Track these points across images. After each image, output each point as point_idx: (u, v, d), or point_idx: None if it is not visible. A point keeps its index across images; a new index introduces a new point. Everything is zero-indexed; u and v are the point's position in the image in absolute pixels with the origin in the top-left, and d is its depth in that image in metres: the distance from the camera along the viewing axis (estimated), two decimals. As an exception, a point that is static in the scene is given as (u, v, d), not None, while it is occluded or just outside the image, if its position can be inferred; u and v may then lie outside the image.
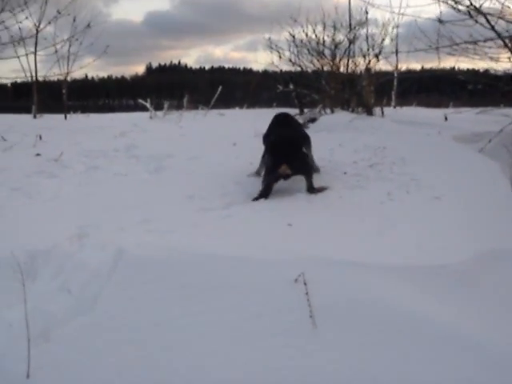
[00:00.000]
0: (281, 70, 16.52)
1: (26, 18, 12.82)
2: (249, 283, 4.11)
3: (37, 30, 14.92)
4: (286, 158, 6.82)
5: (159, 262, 4.46)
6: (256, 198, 6.71)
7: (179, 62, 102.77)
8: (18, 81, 16.25)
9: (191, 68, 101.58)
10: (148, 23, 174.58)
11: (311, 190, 6.84)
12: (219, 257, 4.51)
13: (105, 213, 6.03)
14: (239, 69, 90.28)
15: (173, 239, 5.12)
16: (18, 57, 14.49)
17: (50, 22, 14.53)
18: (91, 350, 3.58)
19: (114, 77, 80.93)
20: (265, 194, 6.77)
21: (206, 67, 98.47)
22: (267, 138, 7.82)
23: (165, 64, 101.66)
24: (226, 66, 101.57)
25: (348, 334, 3.56)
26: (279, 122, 8.02)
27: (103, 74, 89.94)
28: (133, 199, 6.62)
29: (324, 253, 4.61)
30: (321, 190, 6.87)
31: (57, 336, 3.72)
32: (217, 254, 4.58)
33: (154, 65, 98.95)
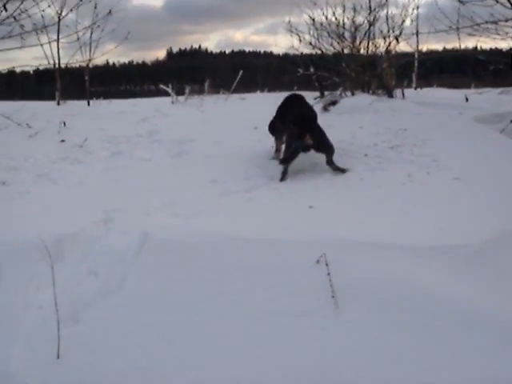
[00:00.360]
0: (301, 54, 16.49)
1: (49, 6, 12.84)
2: (272, 264, 4.19)
3: (59, 17, 15.01)
4: (309, 130, 7.15)
5: (183, 245, 4.55)
6: (283, 161, 7.10)
7: (200, 47, 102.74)
8: (41, 68, 16.29)
9: (212, 52, 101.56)
10: (168, 8, 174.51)
11: (331, 163, 7.06)
12: (242, 239, 4.60)
13: (129, 197, 6.12)
14: (260, 52, 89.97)
15: (197, 223, 5.21)
16: (42, 44, 14.53)
17: (71, 10, 14.56)
18: (118, 331, 3.69)
19: (134, 62, 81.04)
20: (292, 156, 7.08)
21: (227, 51, 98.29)
22: (282, 117, 7.97)
23: (185, 49, 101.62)
24: (247, 50, 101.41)
25: (369, 314, 3.64)
26: (293, 101, 8.21)
27: (124, 60, 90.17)
28: (157, 184, 6.70)
29: (345, 234, 4.67)
30: (342, 169, 6.99)
31: (85, 318, 3.84)
32: (240, 236, 4.67)
33: (175, 49, 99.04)
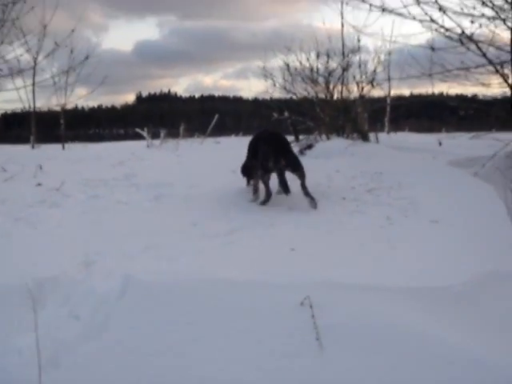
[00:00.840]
0: (271, 98, 16.68)
1: (27, 51, 12.98)
2: (256, 307, 4.19)
3: (35, 62, 15.11)
4: (283, 151, 7.82)
5: (166, 288, 4.53)
6: (264, 202, 7.69)
7: (169, 91, 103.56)
8: (10, 111, 16.35)
9: (181, 96, 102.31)
10: (137, 52, 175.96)
11: (305, 187, 7.50)
12: (225, 282, 4.59)
13: (109, 240, 6.10)
14: (229, 97, 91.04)
15: (178, 265, 5.19)
16: (18, 89, 14.62)
17: (48, 55, 14.71)
18: (100, 375, 3.66)
19: (104, 106, 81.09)
20: (269, 193, 7.70)
21: (196, 95, 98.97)
22: (254, 151, 8.26)
23: (155, 93, 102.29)
24: (216, 94, 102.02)
25: (354, 356, 3.65)
26: (264, 133, 8.69)
27: (93, 104, 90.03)
28: (136, 227, 6.69)
29: (328, 276, 4.69)
30: (312, 198, 7.39)
31: (66, 362, 3.79)
32: (222, 279, 4.65)
33: (144, 94, 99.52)
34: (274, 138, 8.20)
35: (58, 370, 3.72)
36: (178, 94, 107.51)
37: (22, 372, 3.68)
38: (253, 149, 8.40)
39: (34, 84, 15.75)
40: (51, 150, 14.72)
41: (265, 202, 7.69)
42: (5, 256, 5.69)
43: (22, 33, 12.29)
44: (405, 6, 10.01)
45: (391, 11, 10.30)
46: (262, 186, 7.85)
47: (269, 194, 7.72)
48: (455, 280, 4.74)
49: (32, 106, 16.41)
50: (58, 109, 16.91)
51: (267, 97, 16.96)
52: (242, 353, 3.72)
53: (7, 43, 10.65)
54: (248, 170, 8.50)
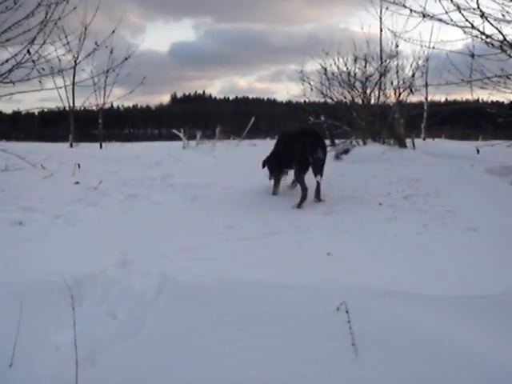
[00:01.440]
0: (306, 101, 16.66)
1: (68, 51, 13.16)
2: (291, 310, 4.18)
3: (75, 62, 15.31)
4: (318, 143, 8.25)
5: (202, 289, 4.55)
6: (302, 200, 7.90)
7: (204, 92, 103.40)
8: (47, 110, 16.59)
9: (216, 98, 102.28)
10: (173, 54, 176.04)
11: (319, 186, 8.05)
12: (261, 284, 4.59)
13: (146, 240, 6.17)
14: (263, 99, 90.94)
15: (215, 267, 5.19)
16: (58, 88, 14.80)
17: (88, 55, 14.90)
18: (135, 374, 3.68)
19: (139, 106, 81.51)
20: (306, 191, 7.99)
21: (231, 97, 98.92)
22: (286, 146, 8.63)
23: (189, 94, 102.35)
24: (250, 97, 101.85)
25: (389, 363, 3.62)
26: (302, 130, 9.05)
27: (128, 104, 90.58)
28: (173, 227, 6.75)
29: (364, 282, 4.66)
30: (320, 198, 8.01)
31: (103, 360, 3.82)
32: (258, 281, 4.65)
33: (179, 95, 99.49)
34: (313, 132, 8.60)
35: (94, 367, 3.75)
36: (213, 96, 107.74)
37: (60, 368, 3.72)
38: (286, 144, 8.65)
39: (73, 83, 15.95)
40: (89, 148, 14.87)
41: (303, 201, 7.90)
42: (44, 253, 5.77)
43: (63, 33, 12.46)
44: (446, 12, 9.92)
45: (432, 17, 10.22)
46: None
47: (305, 189, 8.01)
48: (492, 289, 4.68)
49: (71, 104, 16.62)
50: (95, 108, 17.09)
51: (302, 100, 16.94)
52: (277, 357, 3.72)
53: (49, 43, 10.76)
54: (272, 164, 8.76)
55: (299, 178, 8.14)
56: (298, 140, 8.27)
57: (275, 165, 8.78)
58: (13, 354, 3.72)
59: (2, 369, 3.68)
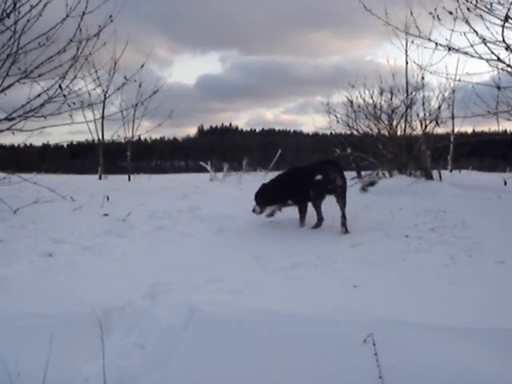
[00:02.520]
0: (332, 133, 16.74)
1: (98, 85, 13.40)
2: (318, 342, 4.18)
3: (105, 95, 15.60)
4: (338, 172, 8.49)
5: (229, 321, 4.56)
6: (318, 225, 8.45)
7: (230, 124, 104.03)
8: (75, 142, 16.94)
9: (242, 130, 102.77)
10: (200, 86, 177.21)
11: (344, 217, 8.20)
12: (288, 316, 4.59)
13: (174, 272, 6.21)
14: (289, 131, 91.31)
15: (242, 299, 5.23)
16: (88, 122, 15.08)
17: (118, 89, 15.16)
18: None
19: (166, 138, 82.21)
20: (322, 218, 8.52)
21: (257, 129, 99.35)
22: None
23: (216, 126, 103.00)
24: (277, 129, 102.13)
25: (417, 398, 3.60)
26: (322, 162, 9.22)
27: (155, 136, 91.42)
28: (200, 259, 6.81)
29: (391, 314, 4.66)
30: (346, 229, 8.11)
31: (131, 391, 3.85)
32: (285, 313, 4.66)
33: (206, 127, 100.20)
34: (332, 162, 8.93)
35: (122, 398, 3.76)
36: (239, 128, 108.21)
37: (88, 399, 3.76)
38: (299, 175, 8.87)
39: (103, 117, 16.24)
40: (117, 180, 15.07)
41: (317, 226, 8.41)
42: (73, 284, 5.86)
43: (93, 68, 12.70)
44: (471, 45, 9.97)
45: (457, 50, 10.27)
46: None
47: (321, 219, 8.46)
48: (521, 322, 4.65)
49: (100, 137, 16.90)
50: (123, 141, 17.35)
51: (328, 132, 17.01)
52: (305, 389, 3.72)
53: (80, 78, 10.99)
54: (270, 196, 8.84)
55: (316, 205, 8.53)
56: (319, 169, 8.54)
57: (276, 196, 8.87)
58: (43, 384, 3.77)
59: (33, 399, 3.72)
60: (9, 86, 10.34)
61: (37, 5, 9.90)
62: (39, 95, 10.38)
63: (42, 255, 6.96)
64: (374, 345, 3.99)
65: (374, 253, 6.89)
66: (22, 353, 4.07)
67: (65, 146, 37.46)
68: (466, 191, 11.25)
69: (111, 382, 3.78)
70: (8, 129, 10.48)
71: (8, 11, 9.85)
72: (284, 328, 4.41)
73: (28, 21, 9.96)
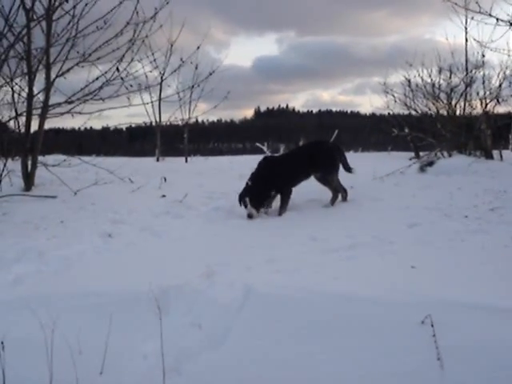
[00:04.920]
0: (390, 114, 16.56)
1: (155, 68, 13.50)
2: (375, 324, 4.15)
3: (161, 78, 15.71)
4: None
5: (286, 301, 4.57)
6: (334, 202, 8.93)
7: (287, 106, 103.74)
8: (133, 125, 17.09)
9: (299, 111, 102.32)
10: (256, 68, 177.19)
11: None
12: (345, 297, 4.56)
13: (231, 252, 6.27)
14: (346, 112, 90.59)
15: (299, 279, 5.21)
16: (145, 104, 15.23)
17: (174, 71, 15.26)
18: (221, 384, 3.73)
19: (223, 121, 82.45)
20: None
21: (314, 111, 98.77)
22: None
23: (273, 108, 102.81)
24: (334, 110, 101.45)
25: (476, 379, 3.54)
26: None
27: (213, 118, 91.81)
28: (257, 240, 6.84)
29: (450, 295, 4.58)
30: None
31: (188, 370, 3.89)
32: (342, 294, 4.63)
33: (263, 108, 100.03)
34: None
35: (180, 376, 3.82)
36: (296, 109, 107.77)
37: (147, 376, 3.82)
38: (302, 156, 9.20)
39: (160, 99, 16.38)
40: (175, 162, 15.20)
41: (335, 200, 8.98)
42: (131, 264, 5.96)
43: (150, 50, 12.79)
44: (534, 20, 9.69)
45: (519, 25, 10.00)
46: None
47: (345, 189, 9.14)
48: None
49: (157, 120, 17.06)
50: (180, 123, 17.48)
51: (386, 112, 16.85)
52: (363, 370, 3.70)
53: (137, 60, 11.10)
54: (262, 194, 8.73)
55: (336, 179, 9.05)
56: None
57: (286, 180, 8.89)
58: (103, 362, 3.84)
59: (93, 376, 3.79)
60: (68, 70, 10.53)
61: (95, -12, 10.03)
62: (97, 78, 10.57)
63: (102, 236, 7.10)
64: (432, 326, 3.95)
65: (432, 233, 6.77)
66: (83, 331, 4.15)
67: (124, 128, 37.94)
68: (527, 170, 10.98)
69: (169, 361, 3.83)
70: (68, 112, 10.68)
71: (67, -5, 10.00)
72: (341, 309, 4.39)
73: (86, 4, 10.14)
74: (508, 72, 14.10)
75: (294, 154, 9.52)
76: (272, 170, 8.79)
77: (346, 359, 3.82)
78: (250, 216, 8.33)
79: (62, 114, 10.77)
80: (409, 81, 15.41)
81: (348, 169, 9.25)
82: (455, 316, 4.19)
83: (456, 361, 3.67)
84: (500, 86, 14.13)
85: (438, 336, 3.85)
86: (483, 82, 14.18)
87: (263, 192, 8.61)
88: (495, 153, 13.18)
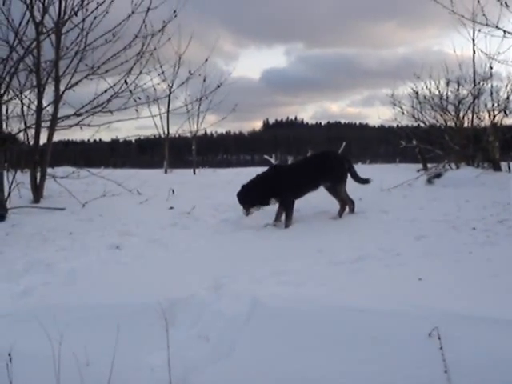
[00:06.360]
0: (398, 126, 16.59)
1: (163, 80, 13.59)
2: (383, 336, 4.15)
3: (170, 90, 15.79)
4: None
5: (293, 313, 4.57)
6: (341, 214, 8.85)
7: (296, 118, 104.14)
8: (142, 137, 17.19)
9: (307, 123, 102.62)
10: (265, 80, 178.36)
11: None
12: (352, 309, 4.57)
13: (238, 264, 6.26)
14: (355, 124, 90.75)
15: (305, 291, 5.20)
16: (153, 116, 15.29)
17: (183, 83, 15.34)
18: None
19: (232, 132, 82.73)
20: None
21: (323, 122, 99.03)
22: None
23: (281, 119, 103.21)
24: (342, 121, 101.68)
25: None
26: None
27: (221, 130, 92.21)
28: (264, 251, 6.85)
29: (457, 307, 4.57)
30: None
31: (195, 381, 3.90)
32: (349, 306, 4.63)
33: (271, 120, 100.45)
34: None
35: (187, 389, 3.80)
36: (305, 121, 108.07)
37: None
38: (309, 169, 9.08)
39: (168, 111, 16.46)
40: (183, 174, 15.23)
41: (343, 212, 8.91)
42: (139, 276, 5.99)
43: (158, 63, 12.86)
44: (541, 32, 9.70)
45: (527, 37, 10.00)
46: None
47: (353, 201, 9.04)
48: None
49: (166, 132, 17.12)
50: (189, 135, 17.54)
51: (394, 124, 16.87)
52: (370, 382, 3.70)
53: (145, 73, 11.18)
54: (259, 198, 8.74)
55: (344, 190, 9.03)
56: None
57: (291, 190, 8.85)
58: (110, 374, 3.84)
59: (100, 387, 3.81)
60: (77, 83, 10.62)
61: (103, 2, 10.14)
62: (106, 91, 10.65)
63: (110, 247, 7.14)
64: (439, 339, 3.94)
65: (440, 245, 6.76)
66: (90, 343, 4.17)
67: (133, 140, 38.12)
68: (536, 183, 10.95)
69: (176, 373, 3.85)
70: (76, 124, 10.75)
71: (76, 9, 10.10)
72: (347, 321, 4.39)
73: (95, 18, 10.22)
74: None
75: (303, 163, 9.49)
76: (278, 179, 8.79)
77: (353, 372, 3.82)
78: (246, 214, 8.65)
79: (71, 126, 10.84)
80: (416, 93, 15.44)
81: (360, 180, 9.21)
82: (462, 329, 4.18)
83: (463, 374, 3.66)
84: (508, 97, 14.14)
85: (445, 349, 3.84)
86: (491, 94, 14.21)
87: (261, 196, 8.68)
88: (503, 165, 13.15)
